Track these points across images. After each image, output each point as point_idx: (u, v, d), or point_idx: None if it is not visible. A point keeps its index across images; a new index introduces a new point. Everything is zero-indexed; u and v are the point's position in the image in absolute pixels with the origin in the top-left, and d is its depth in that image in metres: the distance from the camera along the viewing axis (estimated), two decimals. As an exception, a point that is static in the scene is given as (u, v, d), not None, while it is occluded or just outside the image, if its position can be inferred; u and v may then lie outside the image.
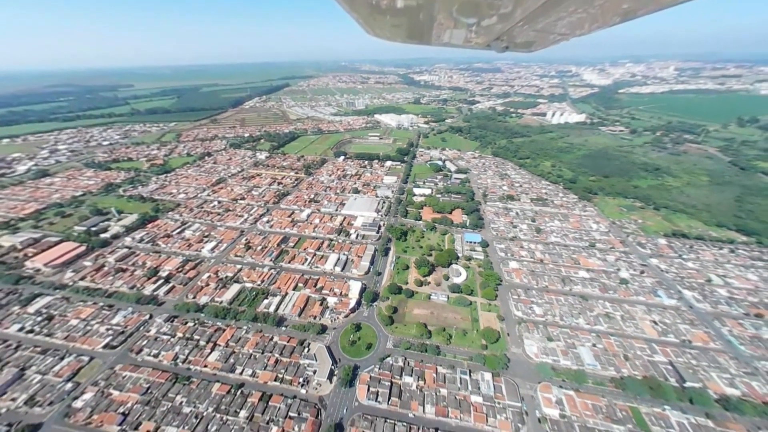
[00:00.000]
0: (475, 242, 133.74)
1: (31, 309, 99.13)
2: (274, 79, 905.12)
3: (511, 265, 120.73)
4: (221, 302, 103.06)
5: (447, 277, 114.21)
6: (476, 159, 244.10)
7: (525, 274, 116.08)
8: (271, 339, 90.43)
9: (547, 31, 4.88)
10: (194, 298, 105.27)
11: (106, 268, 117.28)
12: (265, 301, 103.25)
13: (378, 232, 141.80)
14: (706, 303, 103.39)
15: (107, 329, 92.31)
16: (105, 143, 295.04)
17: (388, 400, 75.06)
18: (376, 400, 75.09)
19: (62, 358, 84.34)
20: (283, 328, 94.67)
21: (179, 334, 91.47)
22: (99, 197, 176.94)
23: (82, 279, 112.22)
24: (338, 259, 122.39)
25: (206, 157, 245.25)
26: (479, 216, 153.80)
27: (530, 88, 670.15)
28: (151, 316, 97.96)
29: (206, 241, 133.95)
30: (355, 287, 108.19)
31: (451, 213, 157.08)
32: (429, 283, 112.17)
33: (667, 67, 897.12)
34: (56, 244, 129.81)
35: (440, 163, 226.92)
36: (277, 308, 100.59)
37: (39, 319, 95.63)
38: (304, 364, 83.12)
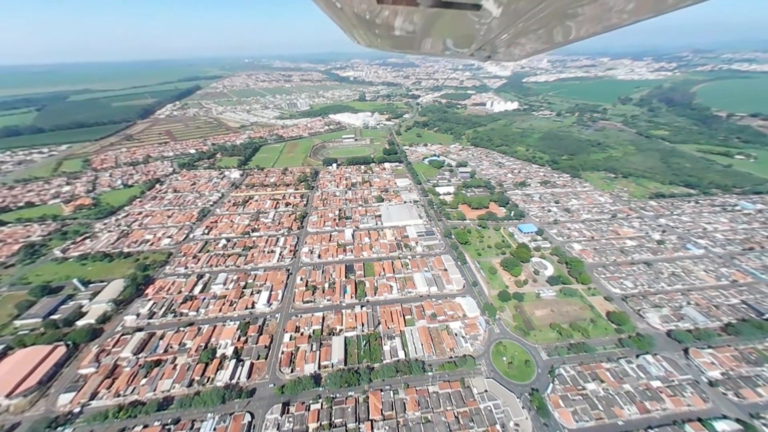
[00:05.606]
0: (531, 232, 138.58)
1: (34, 474, 60.28)
2: (173, 81, 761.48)
3: (576, 247, 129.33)
4: (332, 364, 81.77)
5: (537, 272, 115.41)
6: (463, 151, 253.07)
7: (592, 253, 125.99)
8: (428, 391, 76.15)
9: (528, 42, 5.02)
10: (293, 371, 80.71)
11: (127, 369, 79.66)
12: (386, 348, 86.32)
13: (439, 240, 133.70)
14: (718, 247, 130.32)
15: (203, 457, 63.01)
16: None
17: (591, 415, 71.76)
18: (583, 420, 70.87)
19: None
20: (430, 374, 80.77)
21: (312, 425, 68.84)
22: (21, 268, 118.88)
23: (93, 397, 73.59)
24: (425, 277, 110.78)
25: (157, 185, 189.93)
26: (515, 205, 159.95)
27: (453, 81, 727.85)
28: (252, 416, 70.96)
29: (251, 293, 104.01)
30: (467, 305, 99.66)
31: (488, 207, 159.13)
32: (527, 281, 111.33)
33: (541, 60, 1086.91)
34: (1, 356, 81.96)
35: (438, 158, 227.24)
36: (406, 352, 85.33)
37: (64, 485, 58.90)
38: (487, 407, 72.66)
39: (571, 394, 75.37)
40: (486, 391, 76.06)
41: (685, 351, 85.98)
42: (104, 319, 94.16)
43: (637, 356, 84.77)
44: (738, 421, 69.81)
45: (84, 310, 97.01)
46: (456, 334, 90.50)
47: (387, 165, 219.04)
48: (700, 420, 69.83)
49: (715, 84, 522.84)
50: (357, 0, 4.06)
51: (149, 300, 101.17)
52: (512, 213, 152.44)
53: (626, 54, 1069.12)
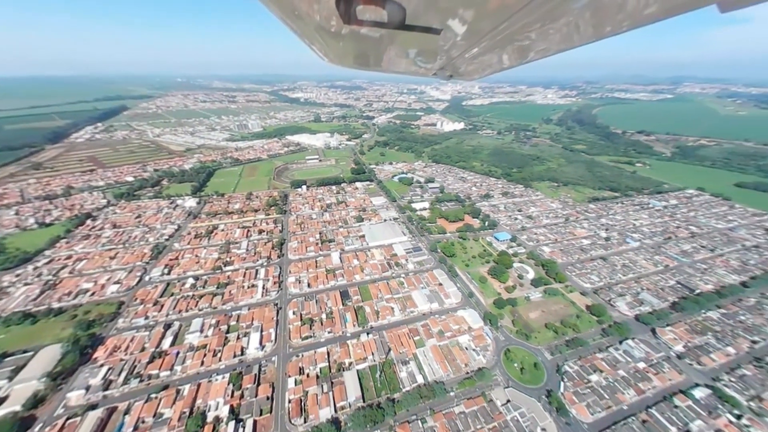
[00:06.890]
0: (507, 240, 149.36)
1: None
2: (89, 100, 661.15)
3: (546, 250, 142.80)
4: (350, 404, 74.65)
5: (521, 276, 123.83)
6: (427, 168, 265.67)
7: (560, 254, 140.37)
8: (455, 413, 73.99)
9: (488, 62, 5.43)
10: (306, 420, 71.34)
11: (84, 463, 61.21)
12: (402, 375, 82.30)
13: (427, 255, 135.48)
14: (648, 239, 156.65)
15: None
16: None
17: (601, 405, 77.24)
18: (597, 412, 75.74)
19: None
20: (452, 394, 78.87)
21: (344, 480, 60.93)
22: None
23: None
24: (424, 294, 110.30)
25: (88, 221, 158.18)
26: (487, 216, 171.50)
27: (402, 104, 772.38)
28: (270, 485, 60.01)
29: (237, 338, 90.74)
30: (469, 317, 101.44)
31: (463, 219, 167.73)
32: (515, 287, 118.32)
33: (474, 86, 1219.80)
34: None
35: (407, 176, 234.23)
36: (424, 375, 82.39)
37: None
38: (513, 418, 73.26)
39: (581, 389, 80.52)
40: (509, 401, 76.94)
41: (653, 331, 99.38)
42: (36, 401, 71.98)
43: (620, 342, 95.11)
44: (707, 386, 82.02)
45: (3, 393, 73.25)
46: (467, 348, 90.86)
47: (359, 184, 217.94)
48: (682, 391, 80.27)
49: (607, 108, 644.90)
50: (324, 18, 4.06)
51: (101, 365, 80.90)
52: (486, 223, 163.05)
53: (538, 83, 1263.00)
